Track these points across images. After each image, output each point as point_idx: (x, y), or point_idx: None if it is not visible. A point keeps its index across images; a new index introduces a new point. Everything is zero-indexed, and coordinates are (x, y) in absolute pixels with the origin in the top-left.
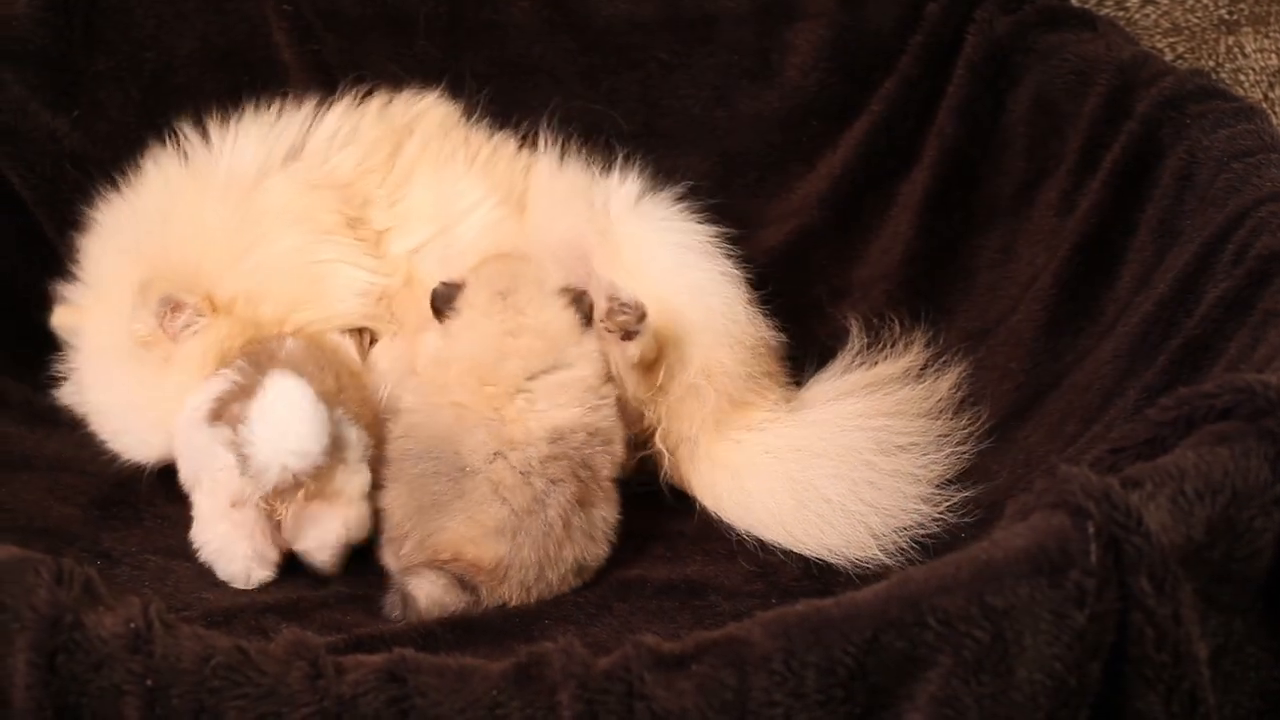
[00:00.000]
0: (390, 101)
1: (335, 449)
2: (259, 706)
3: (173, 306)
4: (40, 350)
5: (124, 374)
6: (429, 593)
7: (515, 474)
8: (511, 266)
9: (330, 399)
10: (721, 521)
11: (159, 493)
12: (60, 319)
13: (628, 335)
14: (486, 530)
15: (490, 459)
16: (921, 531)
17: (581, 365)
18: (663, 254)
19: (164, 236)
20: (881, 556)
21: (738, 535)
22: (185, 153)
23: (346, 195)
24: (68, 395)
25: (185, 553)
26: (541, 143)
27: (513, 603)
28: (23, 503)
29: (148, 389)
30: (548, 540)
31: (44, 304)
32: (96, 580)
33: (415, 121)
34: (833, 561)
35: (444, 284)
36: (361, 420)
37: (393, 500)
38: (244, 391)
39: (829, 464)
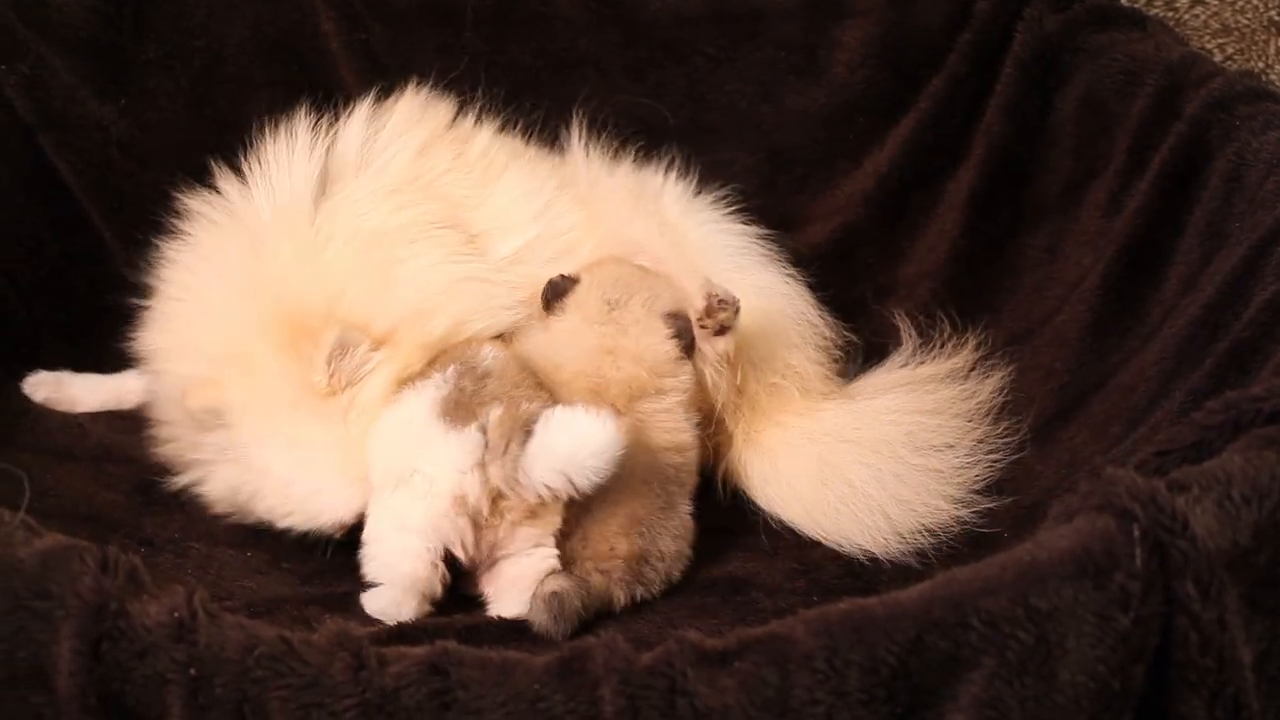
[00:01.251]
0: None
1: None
2: (302, 697)
3: (345, 349)
4: (85, 340)
5: (307, 433)
6: (566, 590)
7: (655, 476)
8: (626, 276)
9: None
10: (749, 500)
11: None
12: (201, 402)
13: (721, 330)
14: (636, 521)
15: (632, 455)
16: (944, 531)
17: (675, 394)
18: (723, 257)
19: (290, 289)
20: (897, 549)
21: (776, 527)
22: (238, 199)
23: (435, 199)
24: (218, 483)
25: (228, 540)
26: (582, 140)
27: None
28: (67, 490)
29: (336, 441)
30: (676, 542)
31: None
32: (141, 568)
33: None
34: (847, 550)
35: (562, 276)
36: None
37: None
38: (473, 398)
39: (859, 451)
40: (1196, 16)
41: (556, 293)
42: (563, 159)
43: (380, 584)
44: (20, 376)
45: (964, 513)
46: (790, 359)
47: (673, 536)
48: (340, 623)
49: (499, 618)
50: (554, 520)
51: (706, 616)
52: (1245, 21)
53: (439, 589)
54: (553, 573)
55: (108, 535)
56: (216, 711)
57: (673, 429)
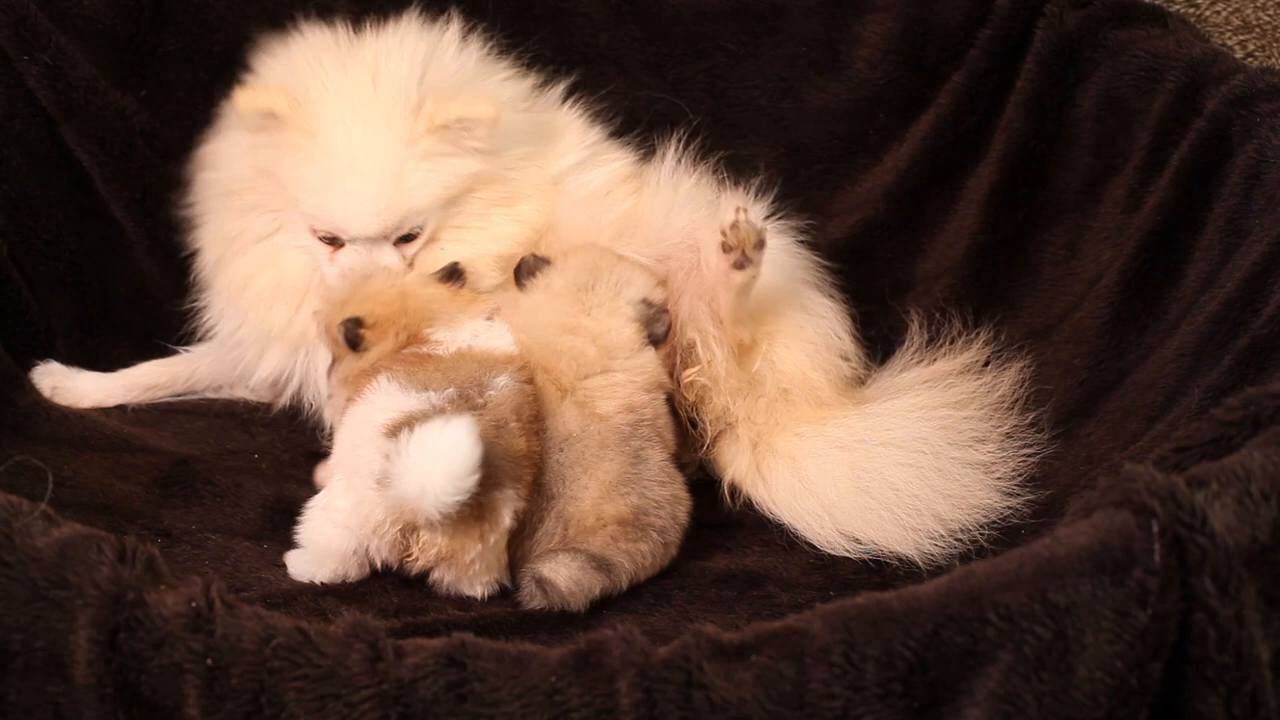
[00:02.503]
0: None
1: (482, 517)
2: (318, 688)
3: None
4: (100, 332)
5: None
6: (568, 574)
7: (613, 437)
8: (597, 262)
9: (506, 466)
10: (760, 509)
11: (218, 471)
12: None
13: (740, 264)
14: (612, 483)
15: (584, 426)
16: (991, 523)
17: (629, 374)
18: (776, 276)
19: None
20: (940, 550)
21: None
22: None
23: None
24: None
25: (245, 532)
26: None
27: (647, 569)
28: (85, 481)
29: None
30: (664, 484)
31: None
32: (159, 559)
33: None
34: (885, 558)
35: (534, 256)
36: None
37: None
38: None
39: (897, 452)
40: (1218, 13)
41: (529, 271)
42: (648, 160)
43: (301, 547)
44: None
45: (1014, 503)
46: (814, 377)
47: (658, 483)
48: (357, 614)
49: (516, 610)
50: (477, 571)
51: (723, 611)
52: (1266, 18)
53: (364, 570)
54: (547, 552)
55: (125, 526)
56: (233, 702)
57: (619, 395)
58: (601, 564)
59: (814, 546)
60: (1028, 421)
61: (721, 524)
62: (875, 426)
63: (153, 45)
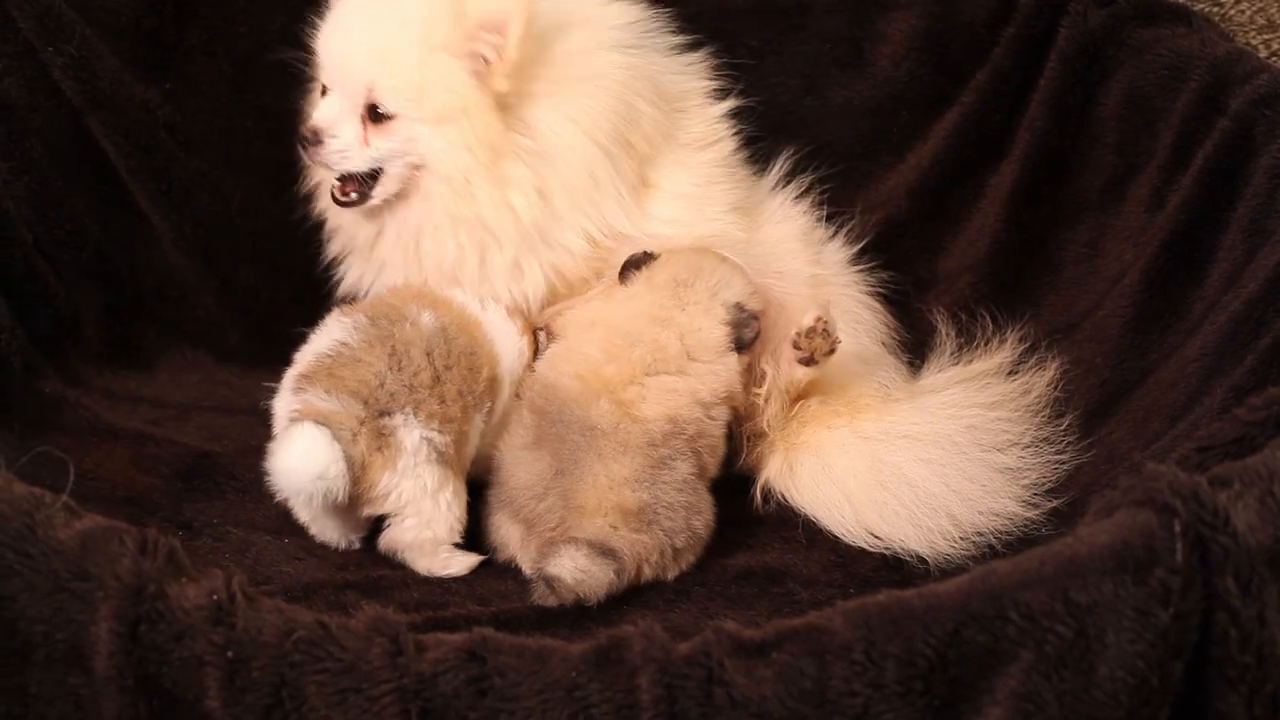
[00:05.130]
0: None
1: (376, 465)
2: (339, 681)
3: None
4: (128, 322)
5: None
6: (572, 567)
7: (640, 440)
8: (701, 262)
9: (409, 396)
10: (789, 504)
11: (240, 465)
12: None
13: (809, 361)
14: (625, 479)
15: (616, 425)
16: (1007, 529)
17: (704, 380)
18: (850, 328)
19: None
20: (955, 553)
21: (810, 521)
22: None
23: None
24: None
25: (266, 526)
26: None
27: (652, 565)
28: (107, 472)
29: None
30: (684, 492)
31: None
32: (180, 551)
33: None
34: (904, 555)
35: (644, 253)
36: (449, 418)
37: (530, 465)
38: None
39: (919, 446)
40: (1242, 12)
41: (634, 264)
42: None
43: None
44: (60, 358)
45: (1033, 514)
46: (854, 388)
47: (676, 489)
48: (378, 608)
49: (536, 606)
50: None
51: (743, 608)
52: None
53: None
54: (549, 545)
55: (146, 519)
56: (253, 694)
57: (669, 403)
58: (605, 550)
59: (835, 540)
60: (1062, 428)
61: (741, 521)
62: (902, 420)
63: (176, 38)
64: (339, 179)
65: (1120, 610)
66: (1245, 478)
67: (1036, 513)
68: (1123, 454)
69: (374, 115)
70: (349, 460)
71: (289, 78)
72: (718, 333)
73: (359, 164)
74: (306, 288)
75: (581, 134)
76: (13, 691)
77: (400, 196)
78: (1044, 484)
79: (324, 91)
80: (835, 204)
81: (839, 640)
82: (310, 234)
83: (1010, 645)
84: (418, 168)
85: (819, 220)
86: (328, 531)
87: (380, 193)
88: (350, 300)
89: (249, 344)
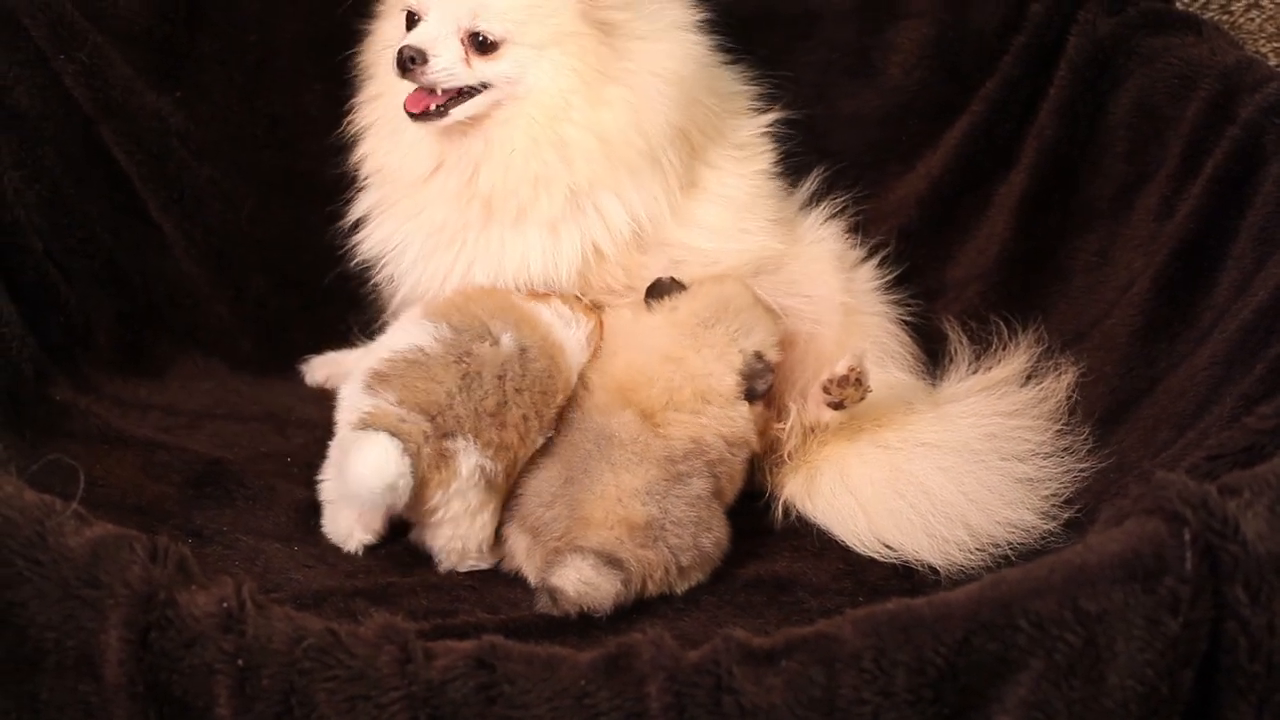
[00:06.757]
0: None
1: (433, 483)
2: (348, 689)
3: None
4: (140, 330)
5: None
6: (577, 578)
7: (659, 453)
8: (731, 300)
9: (474, 422)
10: (802, 514)
11: (250, 473)
12: None
13: (835, 407)
14: (635, 491)
15: (635, 436)
16: (1023, 540)
17: (720, 422)
18: (879, 359)
19: None
20: (969, 562)
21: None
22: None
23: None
24: None
25: (276, 534)
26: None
27: (656, 581)
28: (118, 480)
29: None
30: (695, 508)
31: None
32: (190, 559)
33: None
34: (915, 564)
35: (671, 279)
36: (505, 445)
37: (541, 470)
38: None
39: (937, 454)
40: (1252, 20)
41: (659, 293)
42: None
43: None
44: (71, 366)
45: (1050, 525)
46: (876, 411)
47: (687, 504)
48: (387, 616)
49: (545, 614)
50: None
51: (752, 616)
52: None
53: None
54: (555, 554)
55: (157, 526)
56: (263, 702)
57: (695, 428)
58: (611, 560)
59: (845, 549)
60: (1081, 438)
61: (751, 530)
62: (922, 428)
63: (188, 47)
64: (416, 90)
65: (1130, 619)
66: (1255, 486)
67: (1053, 524)
68: (1132, 463)
69: (476, 42)
70: (414, 474)
71: (300, 86)
72: (728, 380)
73: (464, 81)
74: (317, 296)
75: (666, 86)
76: (23, 699)
77: (474, 121)
78: (1061, 494)
79: (411, 18)
80: (844, 214)
81: (848, 648)
82: (320, 242)
83: (1020, 654)
84: (512, 90)
85: (851, 242)
86: (341, 524)
87: (460, 112)
88: (372, 265)
89: (260, 352)
